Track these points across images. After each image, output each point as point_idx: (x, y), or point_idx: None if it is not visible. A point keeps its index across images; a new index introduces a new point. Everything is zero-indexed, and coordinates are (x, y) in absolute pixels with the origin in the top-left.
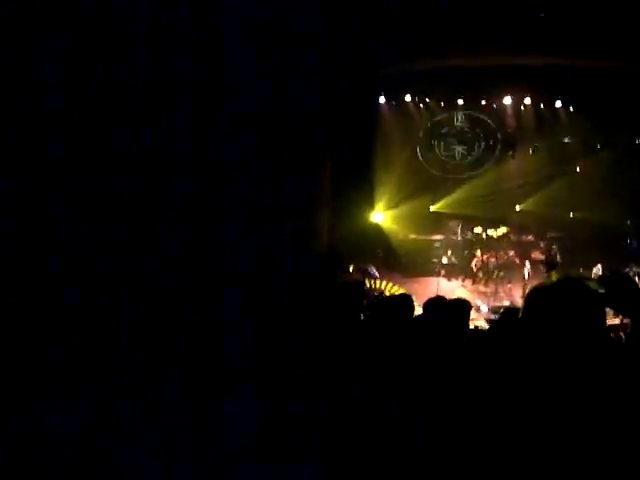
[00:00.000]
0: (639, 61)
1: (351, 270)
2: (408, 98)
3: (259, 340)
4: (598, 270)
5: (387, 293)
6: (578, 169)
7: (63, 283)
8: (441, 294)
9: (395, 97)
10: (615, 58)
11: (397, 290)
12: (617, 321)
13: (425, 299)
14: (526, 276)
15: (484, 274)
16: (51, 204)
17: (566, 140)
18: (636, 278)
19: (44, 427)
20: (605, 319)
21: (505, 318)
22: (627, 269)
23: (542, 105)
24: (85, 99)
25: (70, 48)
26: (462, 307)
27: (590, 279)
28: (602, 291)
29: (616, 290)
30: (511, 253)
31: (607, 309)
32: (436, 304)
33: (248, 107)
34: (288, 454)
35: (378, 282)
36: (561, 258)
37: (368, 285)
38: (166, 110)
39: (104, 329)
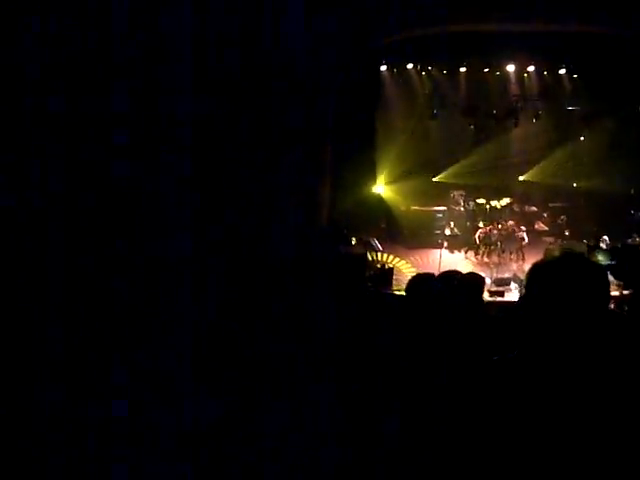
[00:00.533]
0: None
1: (354, 243)
2: (410, 66)
3: (262, 318)
4: (605, 241)
5: (389, 265)
6: (582, 138)
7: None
8: (444, 266)
9: (397, 65)
10: (619, 25)
11: (400, 262)
12: (617, 293)
13: (428, 271)
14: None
15: (486, 246)
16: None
17: (570, 108)
18: None
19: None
20: (609, 294)
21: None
22: (630, 240)
23: (546, 72)
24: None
25: None
26: (476, 283)
27: (599, 249)
28: (611, 262)
29: (624, 262)
30: (513, 224)
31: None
32: (448, 279)
33: (245, 78)
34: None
35: (380, 254)
36: (569, 229)
37: (370, 258)
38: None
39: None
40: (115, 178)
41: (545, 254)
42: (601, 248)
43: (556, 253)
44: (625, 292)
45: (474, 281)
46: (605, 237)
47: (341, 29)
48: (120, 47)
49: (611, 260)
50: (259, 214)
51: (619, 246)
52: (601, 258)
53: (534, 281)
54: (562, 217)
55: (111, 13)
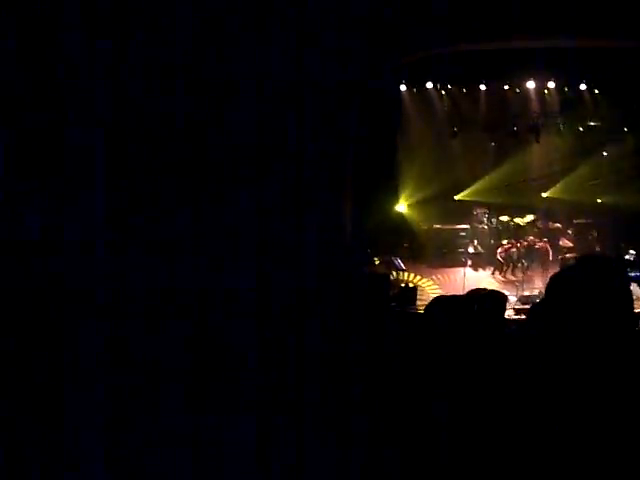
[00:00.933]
0: None
1: (377, 262)
2: (430, 85)
3: (285, 335)
4: (632, 254)
5: (413, 284)
6: (605, 153)
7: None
8: (468, 285)
9: (417, 85)
10: (637, 38)
11: (423, 281)
12: None
13: (452, 290)
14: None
15: (508, 263)
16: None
17: (592, 124)
18: None
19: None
20: (631, 296)
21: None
22: None
23: (566, 89)
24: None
25: None
26: (496, 300)
27: (626, 261)
28: (638, 274)
29: None
30: (537, 240)
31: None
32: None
33: (267, 97)
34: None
35: (404, 273)
36: (595, 245)
37: (394, 277)
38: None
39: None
40: None
41: (561, 265)
42: (628, 260)
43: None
44: None
45: (495, 299)
46: (632, 251)
47: (359, 49)
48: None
49: (637, 272)
50: (282, 233)
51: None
52: (629, 269)
53: (552, 288)
54: (592, 233)
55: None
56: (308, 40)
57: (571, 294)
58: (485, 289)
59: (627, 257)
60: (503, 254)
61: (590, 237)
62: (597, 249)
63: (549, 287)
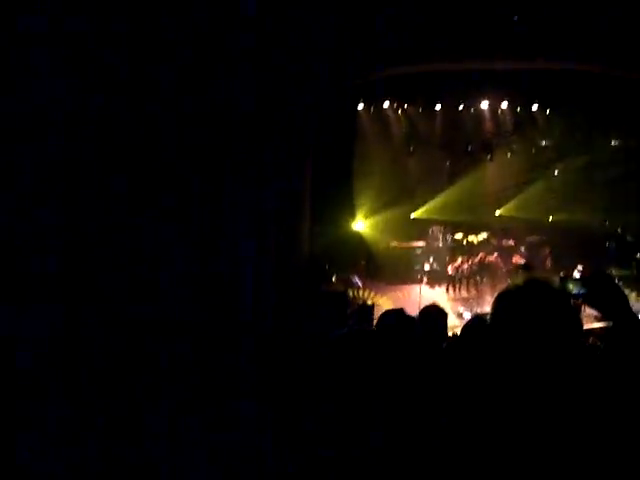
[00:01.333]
0: (613, 64)
1: (334, 280)
2: (386, 104)
3: (242, 351)
4: (580, 271)
5: (370, 302)
6: (556, 172)
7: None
8: (424, 302)
9: (374, 104)
10: (589, 61)
11: (380, 299)
12: (599, 325)
13: (408, 307)
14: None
15: (459, 279)
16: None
17: (543, 143)
18: (616, 280)
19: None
20: (578, 318)
21: (473, 325)
22: (606, 271)
23: (519, 109)
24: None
25: None
26: (432, 316)
27: (571, 279)
28: (583, 291)
29: (597, 290)
30: (491, 257)
31: (588, 312)
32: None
33: (233, 115)
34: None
35: (361, 291)
36: (550, 262)
37: (351, 295)
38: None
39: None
40: None
41: (509, 284)
42: (573, 278)
43: (519, 281)
44: (603, 324)
45: (433, 314)
46: (579, 267)
47: (319, 68)
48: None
49: (582, 288)
50: (235, 251)
51: (590, 274)
52: (572, 287)
53: (497, 309)
54: (544, 250)
55: None
56: (267, 64)
57: (515, 316)
58: (437, 305)
59: (574, 274)
60: (454, 271)
61: (542, 254)
62: (549, 266)
63: (494, 306)
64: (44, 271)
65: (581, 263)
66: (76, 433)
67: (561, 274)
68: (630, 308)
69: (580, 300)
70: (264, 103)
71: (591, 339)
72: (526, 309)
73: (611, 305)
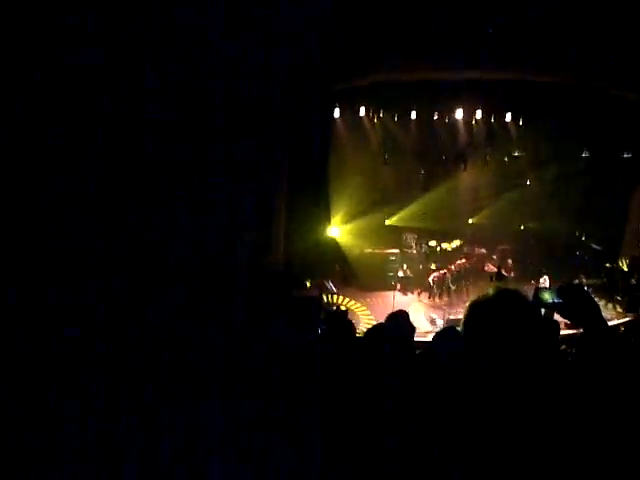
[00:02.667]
0: (586, 76)
1: (308, 285)
2: (362, 112)
3: (217, 353)
4: (545, 281)
5: (344, 308)
6: (528, 182)
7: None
8: (396, 308)
9: (350, 110)
10: (563, 73)
11: (354, 305)
12: (570, 332)
13: (382, 313)
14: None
15: (439, 288)
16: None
17: (516, 153)
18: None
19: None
20: (543, 328)
21: (445, 332)
22: (576, 280)
23: (493, 119)
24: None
25: None
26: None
27: (545, 289)
28: (558, 301)
29: (571, 300)
30: (465, 266)
31: (561, 321)
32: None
33: (215, 119)
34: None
35: (335, 297)
36: (514, 271)
37: (325, 300)
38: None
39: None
40: None
41: (480, 294)
42: (547, 288)
43: (491, 292)
44: (573, 331)
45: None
46: (545, 277)
47: (294, 73)
48: None
49: (556, 298)
50: (212, 251)
51: (564, 285)
52: (547, 297)
53: (469, 319)
54: (509, 260)
55: None
56: (245, 68)
57: (485, 325)
58: (404, 311)
59: (541, 282)
60: (436, 280)
61: (506, 264)
62: (512, 274)
63: (467, 314)
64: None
65: (549, 272)
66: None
67: (533, 282)
68: (602, 317)
69: (554, 310)
70: (241, 107)
71: (562, 346)
72: (497, 318)
73: (584, 314)
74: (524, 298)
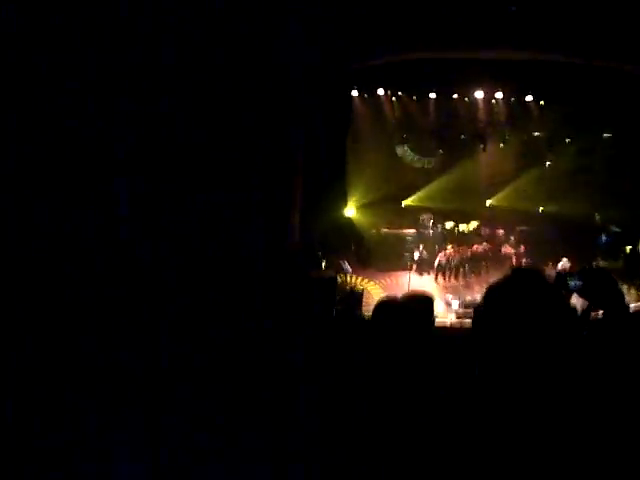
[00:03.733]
0: (607, 57)
1: (324, 265)
2: (381, 92)
3: (233, 336)
4: (564, 264)
5: (359, 288)
6: (548, 163)
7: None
8: (412, 289)
9: (368, 91)
10: (585, 54)
11: (369, 285)
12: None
13: (397, 294)
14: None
15: (448, 268)
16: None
17: (536, 134)
18: None
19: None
20: (567, 307)
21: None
22: (594, 263)
23: (513, 99)
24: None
25: None
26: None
27: (568, 272)
28: (579, 283)
29: (593, 283)
30: (482, 247)
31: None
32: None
33: (223, 106)
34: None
35: (351, 277)
36: (529, 253)
37: (341, 280)
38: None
39: None
40: None
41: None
42: (571, 272)
43: (508, 272)
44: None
45: (421, 301)
46: (564, 259)
47: (312, 54)
48: None
49: (579, 281)
50: (229, 234)
51: (587, 268)
52: (569, 279)
53: (487, 299)
54: (534, 240)
55: None
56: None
57: (504, 305)
58: (423, 292)
59: (560, 265)
60: (444, 260)
61: (527, 244)
62: (527, 259)
63: (485, 298)
64: None
65: (568, 255)
66: None
67: (551, 265)
68: (624, 300)
69: (574, 292)
70: (259, 91)
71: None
72: (517, 298)
73: (605, 297)
74: (544, 279)
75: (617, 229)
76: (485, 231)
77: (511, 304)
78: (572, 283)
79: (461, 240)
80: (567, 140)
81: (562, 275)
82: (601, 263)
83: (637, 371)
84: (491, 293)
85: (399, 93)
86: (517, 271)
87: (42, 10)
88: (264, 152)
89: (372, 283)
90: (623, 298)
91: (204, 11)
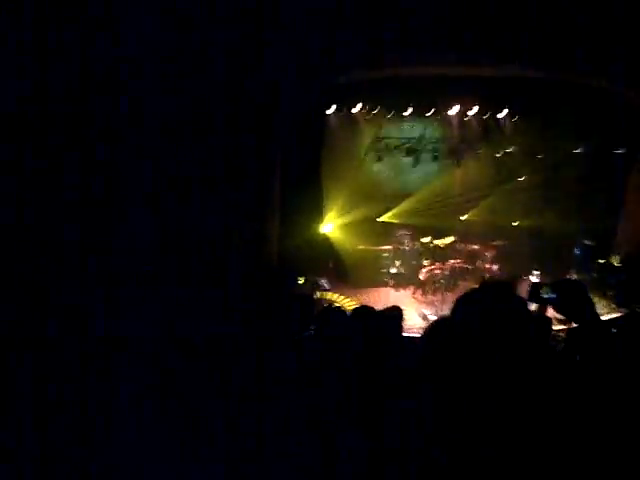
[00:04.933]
0: (581, 73)
1: (301, 282)
2: (357, 108)
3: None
4: (536, 277)
5: (337, 304)
6: (521, 179)
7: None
8: (390, 304)
9: (344, 107)
10: (559, 70)
11: (347, 301)
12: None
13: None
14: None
15: (430, 284)
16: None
17: (510, 149)
18: None
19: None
20: (530, 319)
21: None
22: (568, 276)
23: (487, 115)
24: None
25: None
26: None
27: (546, 284)
28: (552, 295)
29: (566, 295)
30: (458, 262)
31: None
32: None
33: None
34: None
35: (328, 293)
36: (504, 267)
37: (318, 296)
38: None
39: None
40: None
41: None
42: (545, 283)
43: (477, 286)
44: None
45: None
46: (537, 272)
47: (287, 72)
48: None
49: (552, 294)
50: (204, 251)
51: (560, 280)
52: (543, 291)
53: (455, 310)
54: (508, 255)
55: None
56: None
57: (471, 316)
58: (398, 307)
59: (532, 278)
60: (426, 275)
61: (501, 259)
62: (498, 270)
63: (455, 307)
64: None
65: (541, 268)
66: None
67: (525, 278)
68: (596, 312)
69: (548, 304)
70: (236, 105)
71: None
72: (483, 311)
73: (578, 309)
74: (511, 291)
75: (590, 242)
76: (461, 246)
77: (477, 315)
78: (545, 295)
79: (437, 255)
80: (540, 155)
81: (536, 287)
82: (575, 276)
83: (608, 379)
84: (458, 305)
85: (374, 109)
86: (485, 284)
87: None
88: (240, 169)
89: (349, 300)
90: (594, 307)
91: (177, 27)
